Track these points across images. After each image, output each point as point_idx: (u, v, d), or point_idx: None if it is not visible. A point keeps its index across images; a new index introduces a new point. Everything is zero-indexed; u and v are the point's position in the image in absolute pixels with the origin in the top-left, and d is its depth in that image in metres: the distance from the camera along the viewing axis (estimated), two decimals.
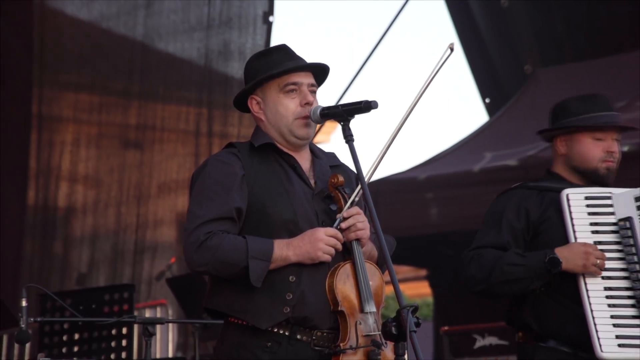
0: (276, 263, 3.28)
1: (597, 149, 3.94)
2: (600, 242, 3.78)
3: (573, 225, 3.79)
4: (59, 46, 9.41)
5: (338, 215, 3.34)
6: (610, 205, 3.82)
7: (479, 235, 3.95)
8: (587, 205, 3.81)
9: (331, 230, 3.30)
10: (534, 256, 3.80)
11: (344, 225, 3.33)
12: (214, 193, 3.35)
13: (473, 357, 6.58)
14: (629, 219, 3.78)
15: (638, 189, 3.83)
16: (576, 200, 3.81)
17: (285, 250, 3.28)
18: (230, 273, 3.29)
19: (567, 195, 3.80)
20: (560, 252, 3.76)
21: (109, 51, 9.56)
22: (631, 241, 3.75)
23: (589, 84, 8.78)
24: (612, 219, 3.81)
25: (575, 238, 3.78)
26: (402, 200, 8.24)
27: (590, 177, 3.95)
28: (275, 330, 3.30)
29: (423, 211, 8.45)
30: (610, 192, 3.85)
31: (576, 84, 8.85)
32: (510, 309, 3.97)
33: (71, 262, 9.23)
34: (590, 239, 3.78)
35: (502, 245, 3.87)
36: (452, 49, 3.34)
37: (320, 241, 3.27)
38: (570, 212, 3.79)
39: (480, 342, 6.56)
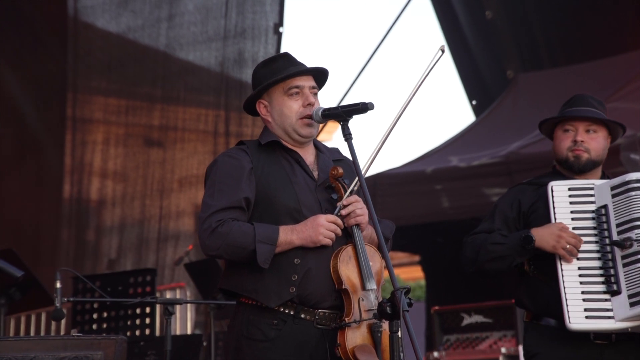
0: (282, 247, 3.27)
1: (566, 140, 3.91)
2: (577, 228, 3.76)
3: (555, 213, 3.77)
4: (91, 55, 9.40)
5: (338, 204, 3.33)
6: (592, 195, 3.79)
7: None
8: (570, 196, 3.79)
9: (331, 217, 3.29)
10: (514, 235, 3.82)
11: (343, 212, 3.31)
12: (224, 185, 3.34)
13: (460, 334, 6.54)
14: (605, 206, 3.75)
15: (616, 179, 3.80)
16: (560, 192, 3.79)
17: (289, 234, 3.27)
18: (240, 256, 3.28)
19: (552, 187, 3.80)
20: (536, 231, 3.76)
21: (135, 60, 9.54)
22: (605, 225, 3.73)
23: (563, 88, 8.74)
24: (592, 207, 3.78)
25: (555, 222, 3.77)
26: (397, 193, 8.20)
27: (565, 166, 3.93)
28: (282, 309, 3.29)
29: (416, 203, 8.41)
30: (593, 184, 3.82)
31: (552, 87, 8.83)
32: (515, 292, 3.97)
33: (102, 249, 9.23)
34: (570, 225, 3.76)
35: (492, 230, 3.87)
36: (443, 51, 3.32)
37: (321, 226, 3.26)
38: (553, 202, 3.78)
39: (467, 320, 6.53)
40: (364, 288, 3.27)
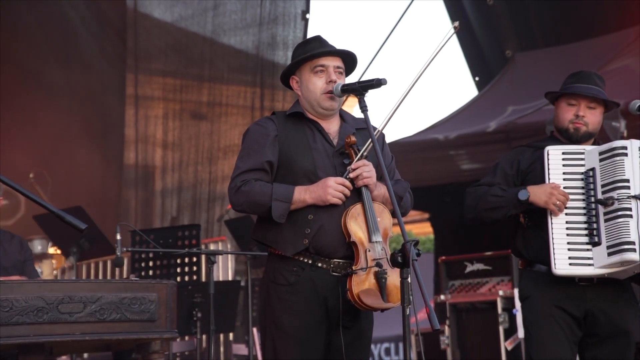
0: (296, 204, 3.24)
1: (569, 112, 3.81)
2: (567, 187, 3.68)
3: (549, 173, 3.70)
4: (148, 42, 9.43)
5: (348, 167, 3.28)
6: (582, 159, 3.71)
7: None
8: (563, 159, 3.71)
9: (340, 179, 3.25)
10: (511, 190, 3.76)
11: (352, 175, 3.26)
12: (251, 150, 3.33)
13: (464, 279, 6.51)
14: (592, 169, 3.68)
15: (604, 145, 3.71)
16: (554, 155, 3.71)
17: (303, 194, 3.24)
18: (260, 211, 3.27)
19: (548, 151, 3.72)
20: (532, 188, 3.70)
21: (186, 44, 9.53)
22: (592, 186, 3.66)
23: (555, 65, 8.58)
24: (582, 169, 3.70)
25: (549, 182, 3.70)
26: (409, 159, 8.11)
27: (564, 136, 3.84)
28: (300, 258, 3.27)
29: (427, 167, 8.32)
30: (584, 149, 3.74)
31: (546, 64, 8.68)
32: (511, 243, 3.90)
33: (166, 208, 9.31)
34: (561, 185, 3.69)
35: (493, 184, 3.81)
36: (456, 29, 3.21)
37: (330, 187, 3.22)
38: (548, 164, 3.70)
39: (469, 268, 6.48)
40: (370, 240, 3.23)
